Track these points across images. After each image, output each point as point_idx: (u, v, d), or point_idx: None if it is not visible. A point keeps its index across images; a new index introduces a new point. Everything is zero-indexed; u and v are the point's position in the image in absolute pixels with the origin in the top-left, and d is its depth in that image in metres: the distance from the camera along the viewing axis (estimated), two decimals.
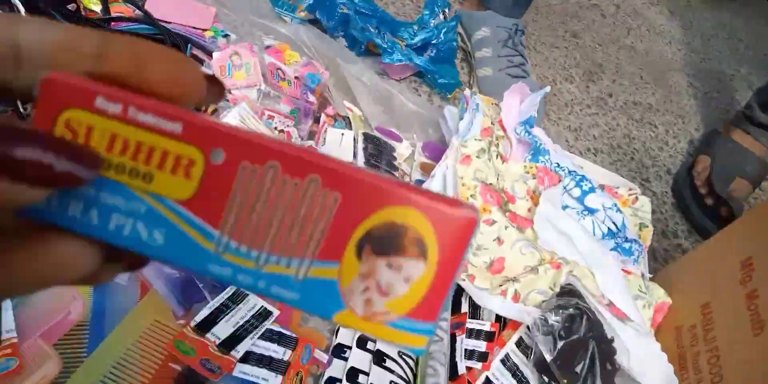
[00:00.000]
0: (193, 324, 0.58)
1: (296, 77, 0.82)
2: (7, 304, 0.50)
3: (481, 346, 0.70)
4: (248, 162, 0.14)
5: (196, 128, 0.14)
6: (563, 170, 0.85)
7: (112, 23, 0.68)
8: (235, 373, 0.57)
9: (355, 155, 0.82)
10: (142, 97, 0.15)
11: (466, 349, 0.69)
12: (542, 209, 0.73)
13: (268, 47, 0.84)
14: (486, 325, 0.71)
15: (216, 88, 0.18)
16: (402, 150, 0.88)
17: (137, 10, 0.72)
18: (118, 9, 0.72)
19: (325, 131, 0.82)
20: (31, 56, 0.15)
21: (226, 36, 0.82)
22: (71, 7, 0.67)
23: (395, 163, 0.85)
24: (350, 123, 0.86)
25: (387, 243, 0.15)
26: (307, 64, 0.84)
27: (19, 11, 0.57)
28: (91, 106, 0.14)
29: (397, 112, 0.90)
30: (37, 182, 0.13)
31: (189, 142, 0.15)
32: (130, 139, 0.15)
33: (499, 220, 0.69)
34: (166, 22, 0.73)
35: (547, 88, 0.78)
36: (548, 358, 0.66)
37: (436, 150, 0.89)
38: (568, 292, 0.70)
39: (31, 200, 0.13)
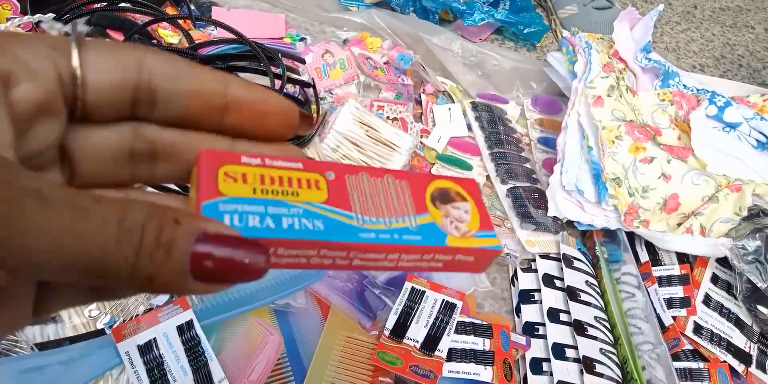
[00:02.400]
0: (386, 332, 0.54)
1: (386, 62, 0.78)
2: (210, 354, 0.48)
3: (677, 291, 0.64)
4: (349, 174, 0.22)
5: (310, 163, 0.22)
6: (691, 90, 0.78)
7: (200, 50, 0.66)
8: (445, 374, 0.54)
9: (469, 127, 0.78)
10: (268, 155, 0.22)
11: (663, 299, 0.63)
12: (697, 133, 0.66)
13: (345, 41, 0.80)
14: (675, 269, 0.65)
15: (307, 121, 0.23)
16: (511, 111, 0.83)
17: (205, 31, 0.69)
18: (195, 36, 0.69)
19: (431, 111, 0.78)
20: (166, 100, 0.20)
21: (302, 39, 0.79)
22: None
23: (510, 125, 0.80)
24: (451, 97, 0.81)
25: (445, 197, 0.23)
26: (392, 46, 0.79)
27: None
28: (239, 162, 0.21)
29: (493, 74, 0.85)
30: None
31: (309, 171, 0.22)
32: (274, 175, 0.21)
33: (658, 155, 0.63)
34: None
35: (660, 7, 0.71)
36: (762, 286, 0.60)
37: (548, 102, 0.83)
38: (757, 213, 0.63)
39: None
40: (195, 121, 0.21)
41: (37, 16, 0.61)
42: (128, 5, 0.65)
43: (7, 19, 0.61)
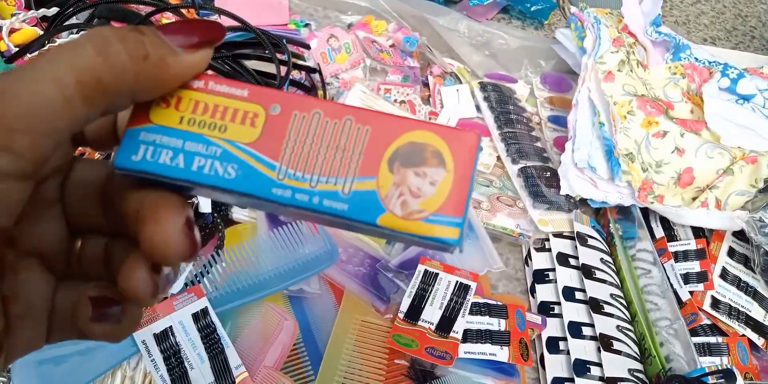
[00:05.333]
0: (401, 315, 0.54)
1: (392, 45, 0.77)
2: (226, 340, 0.48)
3: (693, 266, 0.63)
4: (298, 111, 0.19)
5: (258, 91, 0.19)
6: (702, 63, 0.76)
7: None
8: (461, 355, 0.54)
9: (478, 108, 0.77)
10: (216, 77, 0.20)
11: (680, 274, 0.63)
12: (710, 106, 0.65)
13: (350, 25, 0.80)
14: (691, 244, 0.64)
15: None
16: (520, 90, 0.82)
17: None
18: None
19: (439, 93, 0.77)
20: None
21: (306, 25, 0.78)
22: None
23: (520, 105, 0.79)
24: (458, 78, 0.80)
25: (412, 157, 0.18)
26: (398, 29, 0.79)
27: None
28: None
29: (500, 53, 0.84)
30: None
31: (253, 101, 0.19)
32: (209, 103, 0.19)
33: (671, 129, 0.62)
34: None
35: None
36: None
37: (558, 80, 0.82)
38: None
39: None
40: None
41: (42, 11, 0.61)
42: None
43: (12, 15, 0.61)
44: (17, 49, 0.56)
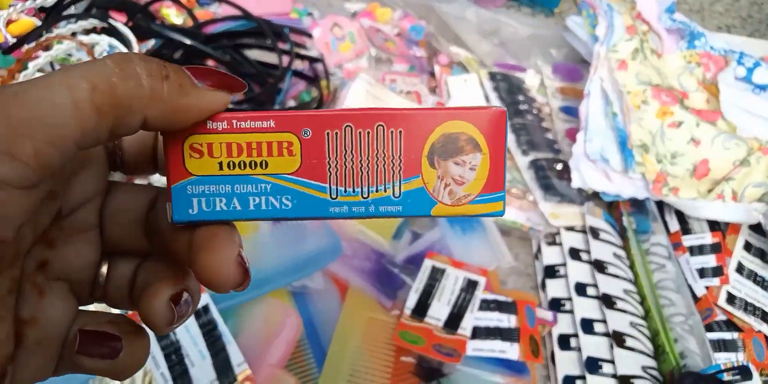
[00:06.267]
0: (407, 311, 0.53)
1: (397, 34, 0.76)
2: (228, 337, 0.47)
3: (709, 260, 0.62)
4: (329, 129, 0.19)
5: (284, 119, 0.19)
6: (718, 52, 0.74)
7: (205, 28, 0.64)
8: (469, 352, 0.52)
9: (487, 98, 0.75)
10: (238, 112, 0.20)
11: (695, 269, 0.61)
12: (726, 95, 0.63)
13: (354, 13, 0.78)
14: (706, 237, 0.63)
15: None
16: (530, 80, 0.80)
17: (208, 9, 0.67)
18: (199, 14, 0.68)
19: (446, 83, 0.75)
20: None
21: (309, 14, 0.76)
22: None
23: (530, 95, 0.77)
24: (466, 68, 0.79)
25: (449, 149, 0.19)
26: (403, 17, 0.77)
27: (131, 43, 0.53)
28: (205, 129, 0.19)
29: (509, 42, 0.82)
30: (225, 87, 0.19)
31: (282, 130, 0.19)
32: (242, 142, 0.19)
33: (686, 120, 0.60)
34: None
35: None
36: None
37: (569, 69, 0.80)
38: None
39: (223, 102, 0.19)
40: None
41: (39, 1, 0.59)
42: None
43: (10, 6, 0.60)
44: (15, 40, 0.55)
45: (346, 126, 0.19)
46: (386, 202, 0.20)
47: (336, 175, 0.19)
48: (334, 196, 0.19)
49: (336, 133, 0.19)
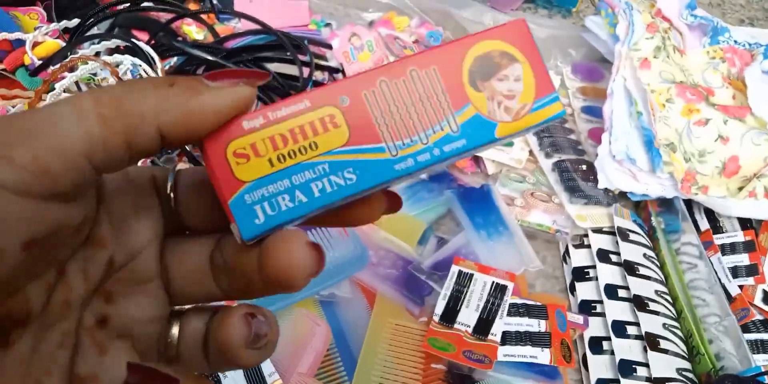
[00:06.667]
0: (436, 318, 0.53)
1: (415, 41, 0.76)
2: None
3: (742, 259, 0.60)
4: (366, 90, 0.19)
5: (318, 95, 0.19)
6: (743, 46, 0.73)
7: (226, 43, 0.65)
8: (500, 358, 0.52)
9: None
10: (270, 104, 0.19)
11: (728, 268, 0.60)
12: (754, 90, 0.62)
13: (372, 22, 0.78)
14: (738, 236, 0.61)
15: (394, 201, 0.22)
16: None
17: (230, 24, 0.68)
18: (219, 30, 0.69)
19: None
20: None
21: (327, 25, 0.77)
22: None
23: None
24: None
25: (486, 69, 0.19)
26: (420, 24, 0.77)
27: (154, 61, 0.54)
28: (243, 131, 0.18)
29: None
30: None
31: (320, 105, 0.19)
32: (284, 131, 0.19)
33: (714, 117, 0.59)
34: None
35: None
36: None
37: (589, 69, 0.79)
38: None
39: None
40: None
41: (63, 23, 0.61)
42: (151, 4, 0.65)
43: (35, 28, 0.61)
44: (41, 61, 0.57)
45: (381, 81, 0.19)
46: (449, 140, 0.19)
47: (388, 131, 0.19)
48: (394, 153, 0.19)
49: (373, 92, 0.19)
